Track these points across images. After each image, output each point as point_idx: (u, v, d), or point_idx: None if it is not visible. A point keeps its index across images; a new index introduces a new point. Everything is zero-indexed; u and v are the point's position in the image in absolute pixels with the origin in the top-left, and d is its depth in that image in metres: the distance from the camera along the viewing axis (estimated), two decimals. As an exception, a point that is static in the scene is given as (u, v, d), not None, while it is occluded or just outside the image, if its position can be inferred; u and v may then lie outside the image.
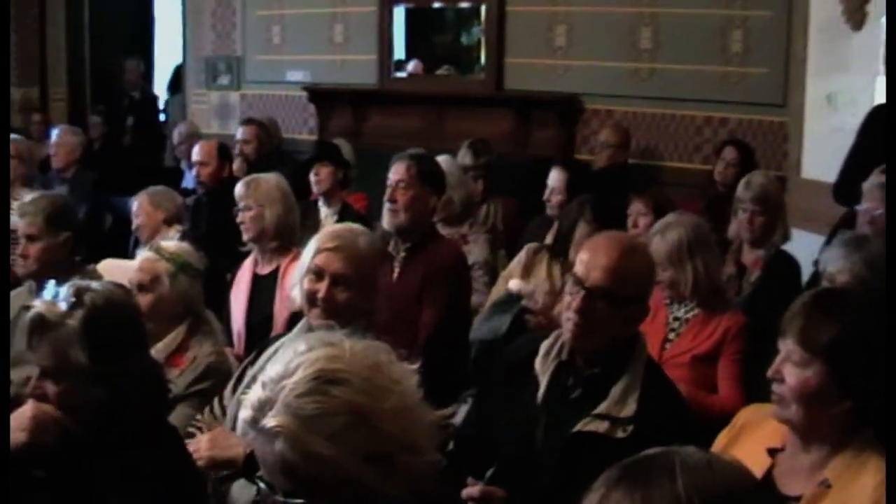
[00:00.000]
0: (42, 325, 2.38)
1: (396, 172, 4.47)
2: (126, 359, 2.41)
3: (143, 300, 3.59)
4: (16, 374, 3.64)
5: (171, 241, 4.08)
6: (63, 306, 2.38)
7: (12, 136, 6.83)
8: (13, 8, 10.80)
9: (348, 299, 3.04)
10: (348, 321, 2.92)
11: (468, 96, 8.36)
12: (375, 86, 8.95)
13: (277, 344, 3.12)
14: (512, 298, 4.25)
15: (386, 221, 4.46)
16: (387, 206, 4.44)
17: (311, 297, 3.07)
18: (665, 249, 3.94)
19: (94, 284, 2.48)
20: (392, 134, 8.33)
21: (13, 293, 4.35)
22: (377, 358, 1.62)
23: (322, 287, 3.04)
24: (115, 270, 4.50)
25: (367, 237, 3.21)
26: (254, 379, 2.74)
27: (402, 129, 8.37)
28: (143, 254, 3.83)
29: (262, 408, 1.57)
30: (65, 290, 2.41)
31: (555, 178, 5.72)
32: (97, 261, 4.81)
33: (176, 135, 9.02)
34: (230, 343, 4.45)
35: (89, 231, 5.16)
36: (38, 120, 10.12)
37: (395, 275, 4.33)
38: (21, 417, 2.29)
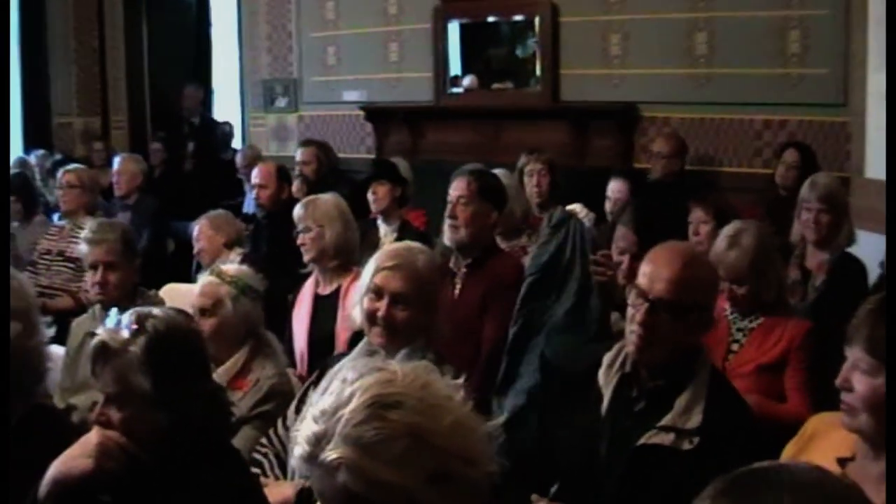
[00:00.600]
0: (105, 353, 2.39)
1: (457, 188, 4.47)
2: (188, 384, 2.41)
3: (206, 324, 3.60)
4: (82, 399, 3.91)
5: (232, 265, 4.08)
6: (125, 333, 2.38)
7: (76, 165, 6.98)
8: (73, 40, 11.14)
9: (408, 318, 3.03)
10: (408, 340, 2.98)
11: (524, 109, 8.34)
12: (431, 102, 8.97)
13: (340, 365, 3.06)
14: (564, 218, 4.19)
15: (447, 237, 4.45)
16: (447, 222, 4.44)
17: (371, 317, 3.06)
18: (748, 259, 3.84)
19: (156, 311, 2.49)
20: (449, 150, 8.35)
21: (77, 320, 4.42)
22: (426, 377, 1.62)
23: (382, 306, 3.04)
24: (176, 295, 4.55)
25: (426, 255, 3.21)
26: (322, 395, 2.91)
27: (458, 145, 8.37)
28: (204, 278, 3.83)
29: (319, 442, 1.56)
30: (127, 318, 2.41)
31: (614, 188, 5.69)
32: (160, 286, 4.87)
33: (240, 158, 9.12)
34: (293, 364, 4.45)
35: (153, 256, 5.17)
36: (100, 148, 10.35)
37: (457, 290, 4.31)
38: (86, 444, 2.31)
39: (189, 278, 5.71)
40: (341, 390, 1.57)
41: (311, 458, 1.56)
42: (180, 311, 2.64)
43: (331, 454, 1.53)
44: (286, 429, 3.20)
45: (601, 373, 2.82)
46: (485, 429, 1.62)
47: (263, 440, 3.26)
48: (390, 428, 1.53)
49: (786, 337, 3.81)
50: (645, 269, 2.77)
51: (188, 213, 7.24)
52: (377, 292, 3.06)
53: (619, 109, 7.94)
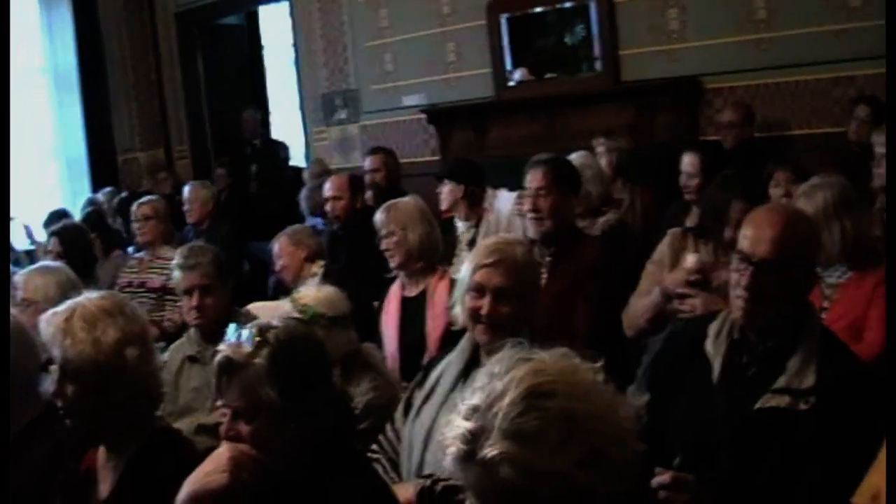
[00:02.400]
0: (230, 367, 2.38)
1: (533, 180, 4.42)
2: (315, 391, 2.41)
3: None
4: (186, 424, 3.90)
5: (310, 288, 4.04)
6: (248, 346, 2.37)
7: (150, 197, 7.10)
8: (131, 75, 11.33)
9: (511, 312, 3.03)
10: (513, 333, 2.88)
11: (586, 94, 8.28)
12: (492, 97, 8.93)
13: (444, 364, 3.11)
14: None
15: (531, 230, 4.39)
16: (529, 215, 4.39)
17: (474, 314, 3.05)
18: (811, 211, 3.80)
19: (276, 321, 2.49)
20: (514, 143, 8.27)
21: (174, 345, 4.44)
22: (572, 362, 1.62)
23: (485, 303, 3.03)
24: (264, 313, 4.40)
25: (523, 246, 3.19)
26: (426, 400, 3.00)
27: (523, 137, 8.30)
28: (281, 305, 3.85)
29: (476, 439, 1.53)
30: (248, 331, 2.40)
31: (688, 162, 5.64)
32: (240, 306, 4.83)
33: (308, 177, 9.13)
34: None
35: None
36: (164, 177, 10.46)
37: (544, 280, 4.19)
38: (219, 460, 2.31)
39: (266, 298, 5.82)
40: (491, 385, 1.55)
41: (469, 456, 1.54)
42: (297, 319, 2.67)
43: (492, 450, 1.51)
44: (395, 431, 3.21)
45: (708, 343, 2.79)
46: (629, 407, 1.65)
47: (374, 446, 3.26)
48: (548, 417, 1.52)
49: (872, 285, 3.80)
50: (746, 233, 2.73)
51: (257, 234, 7.53)
52: (479, 290, 3.05)
53: (681, 84, 7.87)
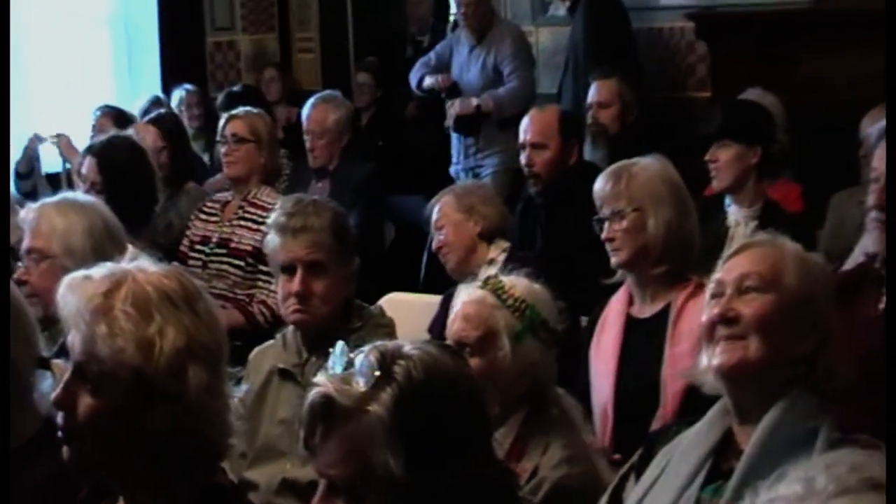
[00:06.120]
0: (331, 414, 2.01)
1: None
2: (460, 463, 2.05)
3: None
4: (266, 475, 3.58)
5: (519, 279, 3.32)
6: (362, 383, 2.00)
7: (247, 109, 5.68)
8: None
9: (757, 304, 2.62)
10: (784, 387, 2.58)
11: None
12: (807, 4, 6.91)
13: (681, 439, 2.66)
14: None
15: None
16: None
17: (710, 331, 2.64)
18: None
19: (408, 347, 2.10)
20: (839, 83, 6.52)
21: (259, 350, 3.76)
22: None
23: (721, 301, 2.65)
24: (403, 310, 4.10)
25: (801, 260, 2.68)
26: (646, 495, 2.62)
27: (859, 72, 6.38)
28: (469, 291, 3.20)
29: None
30: (363, 358, 2.02)
31: None
32: (377, 294, 4.30)
33: None
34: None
35: (364, 250, 4.28)
36: (272, 77, 8.57)
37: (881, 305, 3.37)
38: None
39: (417, 282, 5.34)
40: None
41: None
42: (444, 346, 2.33)
43: None
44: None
45: None
46: None
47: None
48: None
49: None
50: None
51: (414, 184, 6.50)
52: (717, 291, 2.65)
53: None
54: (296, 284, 3.54)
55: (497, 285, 3.25)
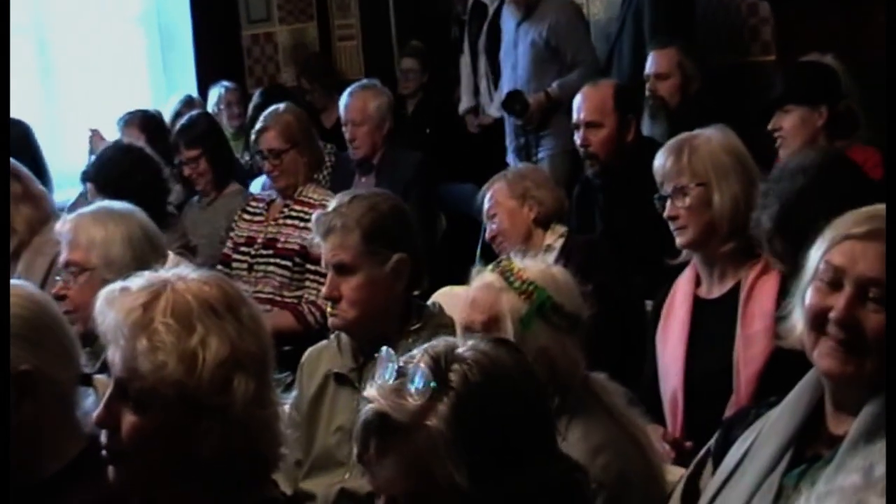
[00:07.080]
0: (387, 431, 1.92)
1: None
2: (526, 466, 1.97)
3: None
4: (322, 485, 3.46)
5: (535, 261, 3.24)
6: (417, 395, 1.91)
7: (286, 105, 5.50)
8: None
9: (881, 321, 2.36)
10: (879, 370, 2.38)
11: None
12: None
13: (763, 422, 2.54)
14: None
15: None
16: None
17: (818, 319, 2.41)
18: None
19: (462, 348, 1.99)
20: None
21: (311, 351, 3.62)
22: None
23: (840, 301, 2.38)
24: (457, 305, 3.75)
25: None
26: (725, 484, 2.55)
27: None
28: (482, 275, 3.15)
29: None
30: (414, 366, 1.94)
31: None
32: (430, 288, 4.11)
33: None
34: (657, 416, 3.58)
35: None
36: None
37: None
38: None
39: (465, 277, 4.82)
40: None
41: None
42: (499, 342, 2.14)
43: None
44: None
45: None
46: None
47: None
48: None
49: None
50: None
51: (465, 172, 6.32)
52: (833, 278, 2.39)
53: None
54: (325, 287, 3.47)
55: (507, 268, 3.15)
